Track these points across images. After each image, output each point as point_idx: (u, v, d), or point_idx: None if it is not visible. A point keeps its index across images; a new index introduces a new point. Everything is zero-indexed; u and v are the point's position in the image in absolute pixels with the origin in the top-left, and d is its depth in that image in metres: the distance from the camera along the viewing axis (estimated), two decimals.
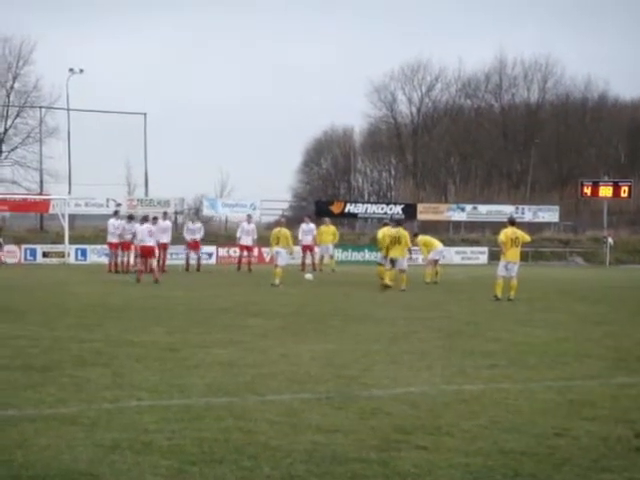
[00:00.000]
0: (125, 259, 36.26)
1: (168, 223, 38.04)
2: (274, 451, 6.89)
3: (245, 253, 39.22)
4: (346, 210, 59.20)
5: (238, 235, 39.45)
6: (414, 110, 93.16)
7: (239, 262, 39.00)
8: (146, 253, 31.18)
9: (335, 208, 59.59)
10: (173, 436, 7.29)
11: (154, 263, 31.57)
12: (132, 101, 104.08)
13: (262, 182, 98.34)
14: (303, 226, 40.00)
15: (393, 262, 27.44)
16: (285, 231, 29.60)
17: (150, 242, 31.09)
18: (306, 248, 39.42)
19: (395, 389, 9.74)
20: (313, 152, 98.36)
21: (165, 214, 39.45)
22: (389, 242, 27.52)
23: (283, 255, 28.63)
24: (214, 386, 9.65)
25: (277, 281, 27.60)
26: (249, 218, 40.18)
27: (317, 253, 40.38)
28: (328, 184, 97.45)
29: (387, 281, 26.79)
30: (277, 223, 38.45)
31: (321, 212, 58.85)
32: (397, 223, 29.82)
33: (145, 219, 34.62)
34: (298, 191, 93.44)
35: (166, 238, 36.65)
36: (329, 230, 39.82)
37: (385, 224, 30.60)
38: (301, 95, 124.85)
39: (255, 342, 13.60)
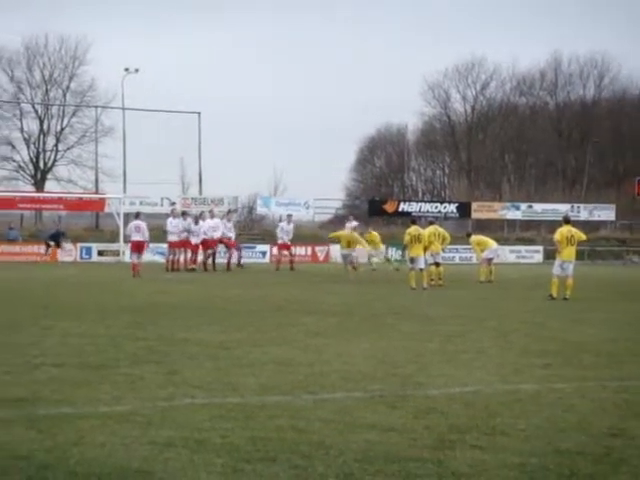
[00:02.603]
0: (182, 257, 36.55)
1: (217, 221, 38.19)
2: (328, 449, 6.87)
3: (285, 252, 39.36)
4: (400, 209, 59.07)
5: (279, 235, 39.62)
6: (468, 108, 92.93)
7: (278, 262, 39.03)
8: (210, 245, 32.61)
9: (389, 207, 59.53)
10: (227, 434, 7.29)
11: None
12: (186, 100, 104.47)
13: (316, 181, 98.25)
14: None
15: (413, 261, 27.32)
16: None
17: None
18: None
19: (450, 388, 9.67)
20: (367, 150, 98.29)
21: (211, 212, 39.68)
22: (409, 240, 27.44)
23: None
24: (268, 384, 9.66)
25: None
26: (289, 218, 40.27)
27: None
28: (382, 183, 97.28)
29: (412, 283, 26.50)
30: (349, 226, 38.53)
31: (374, 211, 58.81)
32: (430, 222, 29.93)
33: (201, 216, 35.74)
34: (352, 190, 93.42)
35: (218, 235, 36.98)
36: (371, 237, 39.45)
37: (431, 222, 30.56)
38: (355, 93, 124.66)
39: (308, 340, 13.60)
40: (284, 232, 39.13)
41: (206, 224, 37.06)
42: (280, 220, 43.06)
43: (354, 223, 38.01)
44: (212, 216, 38.37)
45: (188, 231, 36.26)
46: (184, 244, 36.40)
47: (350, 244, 31.69)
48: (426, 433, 7.50)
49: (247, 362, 11.26)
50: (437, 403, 8.76)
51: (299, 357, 11.76)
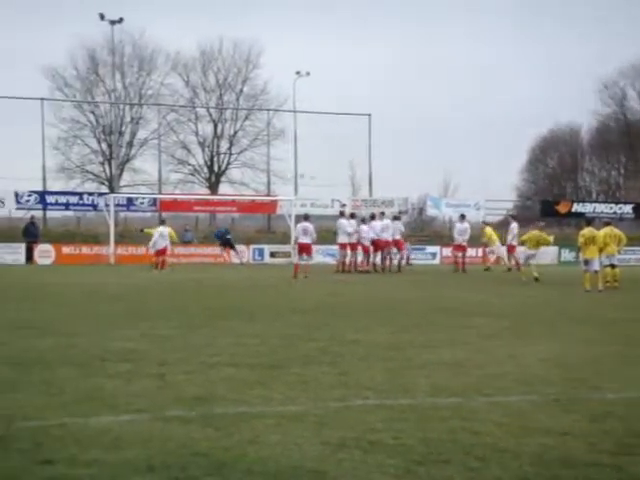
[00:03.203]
0: (352, 258, 36.78)
1: (387, 222, 38.22)
2: (502, 453, 6.78)
3: (459, 253, 39.07)
4: (573, 210, 57.92)
5: (455, 236, 39.51)
6: None
7: (456, 264, 38.73)
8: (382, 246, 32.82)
9: (562, 208, 58.44)
10: (399, 435, 7.28)
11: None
12: (357, 102, 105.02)
13: (486, 181, 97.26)
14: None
15: (587, 262, 26.68)
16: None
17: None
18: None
19: (628, 392, 9.41)
20: (538, 150, 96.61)
21: (382, 214, 39.76)
22: (583, 242, 26.83)
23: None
24: (440, 386, 9.60)
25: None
26: (461, 218, 40.03)
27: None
28: (554, 183, 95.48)
29: (587, 286, 25.85)
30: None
31: (547, 212, 57.87)
32: (606, 223, 29.14)
33: (372, 217, 36.04)
34: (523, 190, 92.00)
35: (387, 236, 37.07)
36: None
37: (607, 223, 29.79)
38: (526, 93, 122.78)
39: (480, 342, 13.46)
40: (459, 233, 38.91)
41: (377, 225, 37.20)
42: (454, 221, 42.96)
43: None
44: (383, 217, 38.45)
45: (358, 232, 36.50)
46: (354, 245, 36.63)
47: (537, 244, 31.17)
48: (604, 438, 7.31)
49: (418, 363, 11.23)
50: (614, 407, 8.53)
51: (471, 359, 11.65)
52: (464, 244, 38.97)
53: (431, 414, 8.12)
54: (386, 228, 37.25)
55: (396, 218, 39.46)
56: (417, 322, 16.41)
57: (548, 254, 50.06)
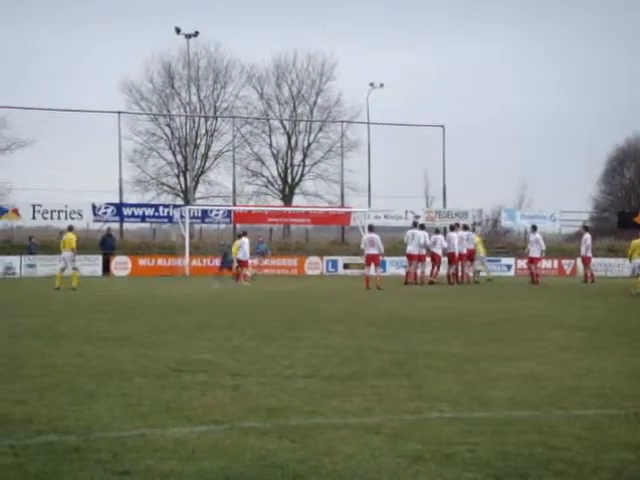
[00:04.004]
0: (419, 270, 36.50)
1: (462, 234, 37.92)
2: (580, 467, 6.68)
3: (532, 265, 38.50)
4: None
5: (528, 247, 39.09)
6: None
7: (533, 275, 38.21)
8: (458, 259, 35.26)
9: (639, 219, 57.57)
10: (476, 449, 7.22)
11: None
12: (430, 113, 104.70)
13: (562, 193, 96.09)
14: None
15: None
16: None
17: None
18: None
19: None
20: (616, 162, 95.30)
21: (457, 225, 39.50)
22: (631, 251, 26.91)
23: None
24: (516, 399, 9.51)
25: None
26: (533, 230, 39.52)
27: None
28: (632, 194, 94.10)
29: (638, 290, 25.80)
30: None
31: (624, 223, 57.12)
32: None
33: (452, 228, 36.11)
34: (599, 201, 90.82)
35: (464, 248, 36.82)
36: None
37: None
38: (600, 103, 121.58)
39: (557, 355, 13.32)
40: (531, 244, 38.46)
41: (452, 237, 37.02)
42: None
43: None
44: (457, 229, 38.22)
45: (427, 244, 36.35)
46: (423, 257, 36.42)
47: None
48: None
49: (494, 376, 11.14)
50: None
51: (548, 371, 11.52)
52: (535, 255, 38.38)
53: (507, 427, 8.04)
54: (461, 240, 36.99)
55: (466, 228, 39.08)
56: (491, 334, 16.29)
57: (626, 266, 49.43)
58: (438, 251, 36.58)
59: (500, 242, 59.73)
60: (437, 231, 38.41)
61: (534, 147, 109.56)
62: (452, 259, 36.84)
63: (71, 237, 33.80)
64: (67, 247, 33.64)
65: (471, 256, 37.67)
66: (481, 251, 39.39)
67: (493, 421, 8.32)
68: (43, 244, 50.93)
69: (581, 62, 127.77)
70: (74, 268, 33.42)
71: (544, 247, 38.34)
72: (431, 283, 35.52)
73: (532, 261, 38.37)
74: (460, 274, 36.94)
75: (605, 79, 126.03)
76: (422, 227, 38.51)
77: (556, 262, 49.36)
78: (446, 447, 7.26)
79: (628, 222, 57.82)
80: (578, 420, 8.42)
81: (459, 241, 36.84)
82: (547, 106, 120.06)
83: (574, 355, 13.32)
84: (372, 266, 33.61)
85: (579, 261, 41.69)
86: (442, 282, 35.75)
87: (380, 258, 34.62)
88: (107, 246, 47.15)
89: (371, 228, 35.40)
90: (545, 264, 47.75)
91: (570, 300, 27.04)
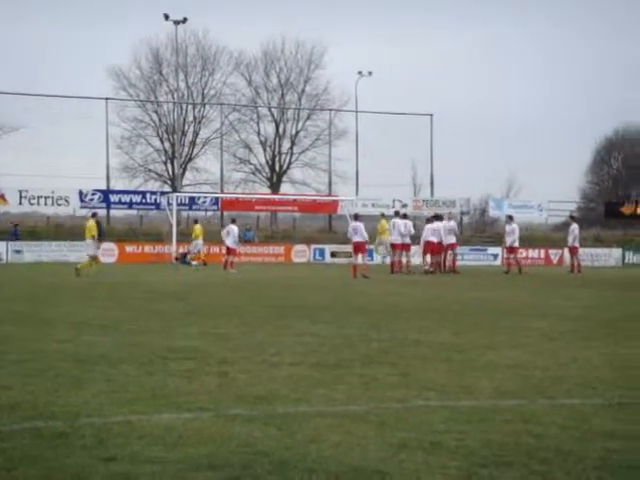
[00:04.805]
0: (405, 259, 36.60)
1: (453, 223, 38.09)
2: (566, 456, 6.70)
3: (512, 255, 38.63)
4: (638, 212, 57.28)
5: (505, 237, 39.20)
6: None
7: (508, 265, 38.30)
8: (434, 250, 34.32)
9: (626, 210, 57.80)
10: (462, 437, 7.23)
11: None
12: (418, 102, 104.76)
13: (549, 183, 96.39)
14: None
15: None
16: None
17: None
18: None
19: None
20: (604, 152, 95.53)
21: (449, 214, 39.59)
22: None
23: None
24: (502, 388, 9.53)
25: None
26: (509, 219, 39.64)
27: None
28: (619, 185, 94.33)
29: None
30: None
31: (611, 213, 57.34)
32: None
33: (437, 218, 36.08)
34: (586, 192, 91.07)
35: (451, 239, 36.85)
36: None
37: None
38: (589, 92, 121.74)
39: (543, 345, 13.34)
40: (508, 234, 38.45)
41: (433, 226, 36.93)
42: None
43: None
44: (442, 219, 38.25)
45: (411, 233, 36.39)
46: (405, 246, 36.44)
47: None
48: None
49: (480, 364, 11.16)
50: None
51: (534, 361, 11.54)
52: (515, 245, 38.42)
53: (493, 416, 8.06)
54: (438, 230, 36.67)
55: (438, 217, 38.59)
56: (478, 323, 16.32)
57: (612, 256, 49.65)
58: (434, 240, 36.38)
59: (487, 231, 59.90)
60: (428, 220, 38.36)
61: (522, 137, 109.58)
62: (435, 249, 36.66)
63: (91, 225, 33.50)
64: (88, 234, 33.40)
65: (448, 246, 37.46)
66: (384, 234, 39.36)
67: (479, 410, 8.33)
68: (31, 229, 50.89)
69: (570, 52, 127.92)
70: (89, 254, 33.10)
71: (516, 237, 38.27)
72: (427, 272, 35.50)
73: (511, 251, 38.42)
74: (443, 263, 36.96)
75: (594, 69, 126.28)
76: (405, 216, 38.49)
77: (543, 252, 49.50)
78: (432, 435, 7.27)
79: (615, 212, 58.12)
80: (564, 409, 8.44)
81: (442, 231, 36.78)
82: (535, 96, 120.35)
83: (560, 344, 13.35)
84: (359, 255, 33.59)
85: (566, 251, 41.77)
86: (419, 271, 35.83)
87: (366, 246, 34.55)
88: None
89: (357, 217, 35.31)
90: (532, 254, 47.93)
91: (557, 290, 27.12)
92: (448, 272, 36.36)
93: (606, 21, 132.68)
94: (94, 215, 35.05)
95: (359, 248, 33.68)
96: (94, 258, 32.98)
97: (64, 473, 6.11)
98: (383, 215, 40.87)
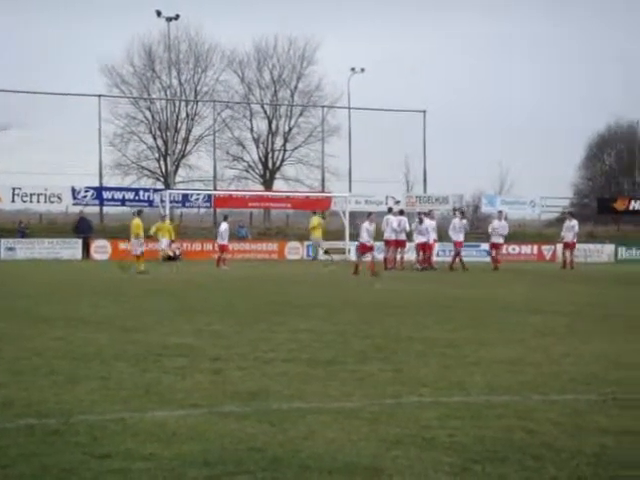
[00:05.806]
0: (398, 256, 36.50)
1: (433, 222, 37.74)
2: (559, 452, 6.71)
3: (493, 252, 38.62)
4: (630, 207, 57.34)
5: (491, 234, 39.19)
6: None
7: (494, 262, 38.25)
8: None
9: (619, 205, 57.86)
10: (455, 433, 7.24)
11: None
12: (411, 98, 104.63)
13: (542, 178, 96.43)
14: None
15: None
16: None
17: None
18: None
19: None
20: (596, 148, 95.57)
21: (430, 212, 39.49)
22: None
23: None
24: (495, 384, 9.55)
25: None
26: (500, 215, 39.70)
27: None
28: (611, 181, 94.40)
29: None
30: None
31: (604, 209, 57.40)
32: None
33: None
34: (579, 187, 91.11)
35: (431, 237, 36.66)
36: None
37: None
38: (584, 89, 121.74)
39: (536, 340, 13.37)
40: (495, 231, 38.32)
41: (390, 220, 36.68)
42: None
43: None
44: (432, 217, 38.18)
45: (406, 230, 36.28)
46: (399, 242, 36.31)
47: None
48: None
49: (474, 360, 11.18)
50: None
51: (527, 357, 11.56)
52: (501, 241, 38.41)
53: (486, 412, 8.07)
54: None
55: (402, 213, 38.49)
56: (472, 319, 16.34)
57: (605, 252, 49.72)
58: (422, 238, 36.25)
59: (481, 228, 59.88)
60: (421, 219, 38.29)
61: (515, 133, 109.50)
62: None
63: (135, 223, 33.35)
64: (132, 233, 33.30)
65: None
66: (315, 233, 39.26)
67: (472, 406, 8.35)
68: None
69: (563, 48, 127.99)
70: (135, 254, 33.01)
71: (504, 233, 38.27)
72: (421, 269, 35.37)
73: (494, 247, 38.38)
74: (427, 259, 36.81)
75: (586, 65, 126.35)
76: (401, 213, 38.39)
77: (536, 248, 49.54)
78: (425, 431, 7.28)
79: (607, 208, 58.17)
80: (557, 405, 8.46)
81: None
82: (528, 92, 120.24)
83: (553, 340, 13.38)
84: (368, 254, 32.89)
85: (559, 247, 41.76)
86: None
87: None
88: (81, 230, 46.89)
89: (369, 216, 34.53)
90: (524, 250, 47.98)
91: (550, 286, 27.16)
92: (453, 269, 36.05)
93: (599, 14, 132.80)
94: (139, 213, 34.83)
95: (365, 248, 32.91)
96: (138, 257, 32.85)
97: (58, 470, 6.11)
98: (315, 213, 41.58)
